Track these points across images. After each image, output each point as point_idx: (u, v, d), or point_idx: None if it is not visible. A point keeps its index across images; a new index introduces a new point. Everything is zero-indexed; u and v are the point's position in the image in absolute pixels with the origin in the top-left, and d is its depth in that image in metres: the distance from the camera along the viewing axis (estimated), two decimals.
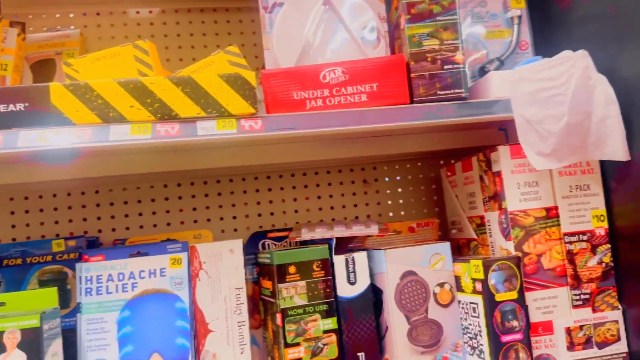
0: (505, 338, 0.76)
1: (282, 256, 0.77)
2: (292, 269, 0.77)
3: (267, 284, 0.82)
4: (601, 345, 0.81)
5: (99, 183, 1.04)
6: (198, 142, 0.75)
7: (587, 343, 0.81)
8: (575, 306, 0.81)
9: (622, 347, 0.81)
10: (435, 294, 0.82)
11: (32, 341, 0.65)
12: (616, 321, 0.82)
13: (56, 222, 1.03)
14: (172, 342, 0.79)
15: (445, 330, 0.81)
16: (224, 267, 0.85)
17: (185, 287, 0.81)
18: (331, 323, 0.77)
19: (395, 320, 0.79)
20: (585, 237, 0.83)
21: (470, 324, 0.80)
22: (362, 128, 0.75)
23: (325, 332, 0.76)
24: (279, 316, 0.76)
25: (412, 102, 0.79)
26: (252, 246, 0.97)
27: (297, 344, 0.75)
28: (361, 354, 0.80)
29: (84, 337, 0.78)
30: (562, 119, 0.76)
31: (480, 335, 0.78)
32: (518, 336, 0.77)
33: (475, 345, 0.79)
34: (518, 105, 0.79)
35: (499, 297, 0.77)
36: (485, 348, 0.77)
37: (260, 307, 0.90)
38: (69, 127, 0.69)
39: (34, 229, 1.02)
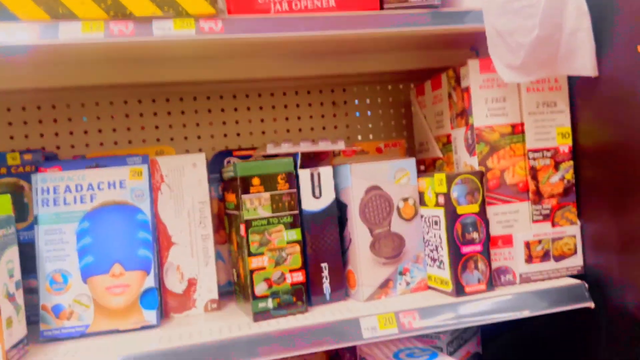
0: (465, 249, 0.78)
1: (246, 168, 0.76)
2: (255, 181, 0.76)
3: (231, 197, 0.81)
4: (558, 258, 0.83)
5: (55, 97, 0.99)
6: (154, 46, 0.71)
7: (545, 256, 0.83)
8: (535, 221, 0.83)
9: (577, 260, 0.84)
10: (398, 209, 0.82)
11: None
12: (574, 236, 0.84)
13: (11, 138, 0.99)
14: (133, 253, 0.78)
15: (408, 243, 0.82)
16: (186, 181, 0.83)
17: (147, 200, 0.80)
18: (295, 234, 0.77)
19: (358, 233, 0.80)
20: (549, 154, 0.83)
21: (431, 237, 0.81)
22: (330, 34, 0.73)
23: (289, 242, 0.76)
24: (242, 227, 0.75)
25: (382, 9, 0.77)
26: (217, 164, 0.95)
27: (261, 254, 0.75)
28: (324, 265, 0.81)
29: (42, 247, 0.76)
30: (533, 31, 0.74)
31: (441, 247, 0.79)
32: (478, 248, 0.78)
33: (435, 257, 0.80)
34: (489, 15, 0.77)
35: (460, 210, 0.78)
36: (445, 259, 0.78)
37: (225, 222, 0.89)
38: (15, 23, 0.64)
39: None
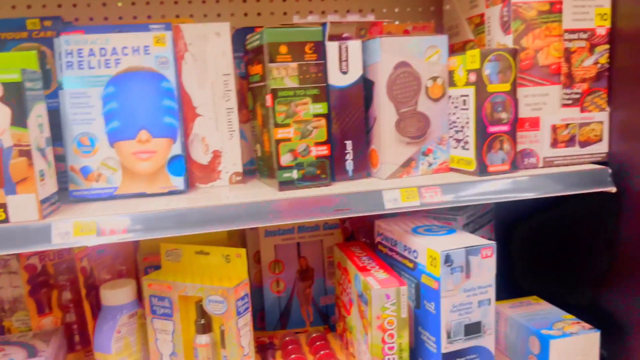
0: (492, 129, 0.77)
1: (274, 34, 0.74)
2: (283, 49, 0.74)
3: (256, 69, 0.79)
4: (583, 144, 0.83)
5: None
6: None
7: (570, 141, 0.82)
8: (564, 105, 0.82)
9: (602, 147, 0.84)
10: (426, 88, 0.81)
11: (15, 95, 0.63)
12: (601, 122, 0.83)
13: (28, 7, 0.96)
14: (159, 120, 0.78)
15: (433, 123, 0.82)
16: (210, 51, 0.81)
17: (171, 68, 0.78)
18: (321, 108, 0.76)
19: (384, 111, 0.79)
20: (585, 36, 0.80)
21: (458, 118, 0.80)
22: None
23: (315, 115, 0.76)
24: (269, 97, 0.74)
25: None
26: (238, 41, 0.93)
27: (287, 125, 0.75)
28: (348, 142, 0.81)
29: (68, 111, 0.76)
30: None
31: (467, 127, 0.78)
32: (505, 128, 0.78)
33: (460, 138, 0.80)
34: None
35: (491, 88, 0.76)
36: (471, 139, 0.78)
37: (249, 99, 0.89)
38: None
39: (3, 11, 0.95)
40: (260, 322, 1.07)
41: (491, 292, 0.74)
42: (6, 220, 0.64)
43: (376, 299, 0.72)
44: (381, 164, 0.81)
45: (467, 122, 0.78)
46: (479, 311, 0.73)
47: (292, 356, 0.88)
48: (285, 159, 0.75)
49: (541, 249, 1.02)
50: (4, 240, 0.63)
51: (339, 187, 0.77)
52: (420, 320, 0.77)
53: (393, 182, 0.79)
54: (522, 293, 1.00)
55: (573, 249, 0.94)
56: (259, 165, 0.88)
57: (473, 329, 0.73)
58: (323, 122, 0.76)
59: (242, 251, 0.82)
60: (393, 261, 0.83)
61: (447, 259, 0.70)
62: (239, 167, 0.85)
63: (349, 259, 0.84)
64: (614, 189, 0.80)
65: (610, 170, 0.80)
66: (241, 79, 0.94)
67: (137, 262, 0.99)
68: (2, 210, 0.64)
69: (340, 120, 0.80)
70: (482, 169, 0.78)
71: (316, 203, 0.72)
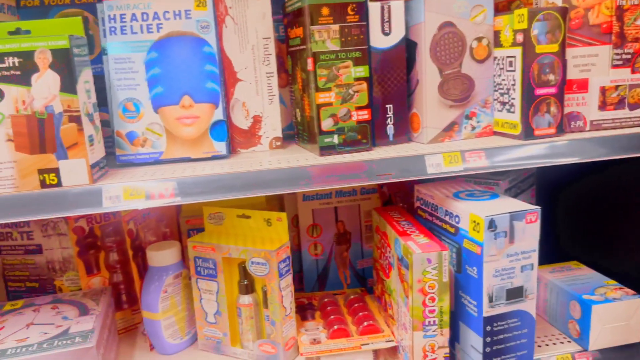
0: (539, 91, 0.75)
1: None
2: (325, 11, 0.73)
3: (296, 32, 0.79)
4: (633, 106, 0.80)
5: None
6: None
7: (619, 104, 0.80)
8: (614, 66, 0.79)
9: None
10: (471, 48, 0.79)
11: (63, 61, 0.64)
12: None
13: None
14: (202, 85, 0.78)
15: (477, 85, 0.80)
16: (250, 13, 0.81)
17: (212, 32, 0.78)
18: (363, 71, 0.75)
19: (427, 73, 0.78)
20: None
21: (503, 80, 0.78)
22: None
23: (356, 79, 0.75)
24: (310, 61, 0.74)
25: None
26: (277, 4, 0.92)
27: (328, 89, 0.74)
28: (389, 106, 0.80)
29: (113, 76, 0.77)
30: None
31: (513, 89, 0.76)
32: (552, 90, 0.76)
33: (506, 100, 0.78)
34: None
35: (539, 49, 0.74)
36: (517, 102, 0.76)
37: (288, 63, 0.88)
38: None
39: None
40: (298, 283, 1.09)
41: (534, 258, 0.73)
42: (59, 184, 0.66)
43: (417, 263, 0.72)
44: (423, 128, 0.80)
45: (513, 85, 0.76)
46: (521, 276, 0.73)
47: (331, 317, 0.90)
48: (327, 123, 0.75)
49: (583, 214, 1.00)
50: (57, 204, 0.66)
51: (380, 152, 0.76)
52: (461, 284, 0.77)
53: (435, 146, 0.78)
54: (563, 258, 0.99)
55: (617, 214, 0.92)
56: (298, 130, 0.88)
57: (515, 293, 0.73)
58: (364, 85, 0.76)
59: (283, 215, 0.83)
60: (433, 226, 0.84)
61: (491, 224, 0.70)
62: (279, 132, 0.85)
63: (389, 223, 0.85)
64: None
65: None
66: (279, 42, 0.93)
67: (180, 224, 1.02)
68: (54, 174, 0.66)
69: (381, 83, 0.79)
70: (528, 133, 0.76)
71: (358, 168, 0.72)
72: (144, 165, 0.79)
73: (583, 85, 0.79)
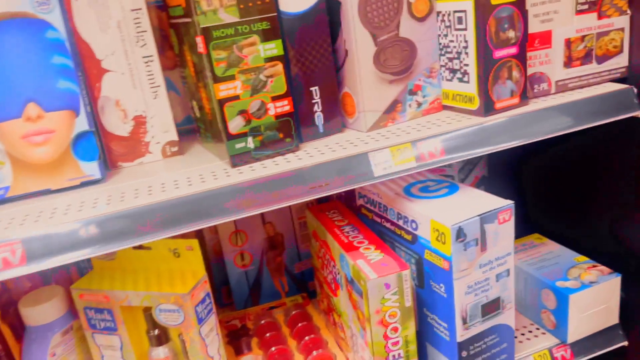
0: (499, 53, 0.59)
1: None
2: None
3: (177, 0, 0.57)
4: (601, 59, 0.67)
5: None
6: None
7: (586, 57, 0.66)
8: (579, 12, 0.64)
9: (622, 60, 0.68)
10: (409, 3, 0.61)
11: None
12: (622, 29, 0.67)
13: None
14: (51, 85, 0.55)
15: (420, 51, 0.63)
16: None
17: (56, 9, 0.55)
18: (275, 48, 0.56)
19: (358, 41, 0.59)
20: None
21: (451, 41, 0.62)
22: None
23: (267, 60, 0.56)
24: (200, 40, 0.53)
25: None
26: None
27: (231, 78, 0.55)
28: (314, 88, 0.62)
29: None
30: None
31: (466, 53, 0.60)
32: (513, 50, 0.60)
33: (457, 67, 0.62)
34: None
35: (495, 0, 0.57)
36: (472, 68, 0.60)
37: (173, 38, 0.66)
38: None
39: None
40: (226, 297, 0.92)
41: (510, 262, 0.60)
42: None
43: (374, 291, 0.57)
44: (359, 113, 0.63)
45: (465, 47, 0.60)
46: (497, 286, 0.60)
47: (272, 348, 0.74)
48: (235, 124, 0.56)
49: (540, 180, 0.89)
50: None
51: (310, 152, 0.59)
52: (425, 301, 0.63)
53: (378, 134, 0.61)
54: (522, 230, 0.88)
55: (579, 180, 0.81)
56: (199, 127, 0.67)
57: (491, 307, 0.60)
58: (279, 67, 0.56)
59: (194, 242, 0.64)
60: (383, 229, 0.68)
61: (460, 234, 0.55)
62: (173, 135, 0.65)
63: (329, 231, 0.68)
64: None
65: (635, 90, 0.65)
66: (158, 9, 0.70)
67: None
68: None
69: (301, 61, 0.60)
70: (488, 106, 0.61)
71: (284, 182, 0.54)
72: None
73: (546, 39, 0.64)
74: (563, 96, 0.65)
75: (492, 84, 0.60)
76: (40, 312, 0.66)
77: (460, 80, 0.62)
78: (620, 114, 0.65)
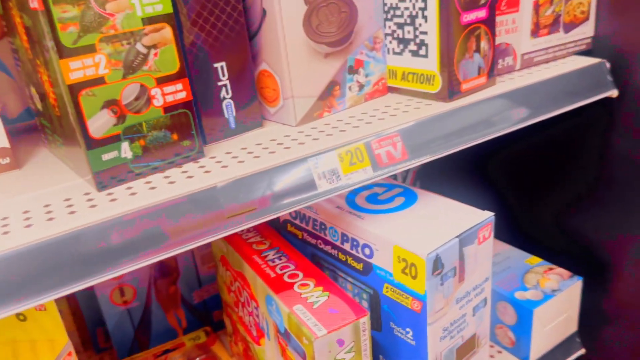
0: (468, 17, 0.45)
1: None
2: None
3: None
4: (568, 27, 0.55)
5: None
6: None
7: (554, 25, 0.54)
8: None
9: (588, 30, 0.57)
10: None
11: None
12: None
13: None
14: None
15: (361, 15, 0.46)
16: None
17: None
18: (160, 2, 0.36)
19: None
20: None
21: (402, 1, 0.46)
22: None
23: (147, 20, 0.35)
24: None
25: None
26: None
27: (89, 49, 0.34)
28: (220, 65, 0.43)
29: None
30: None
31: (423, 17, 0.45)
32: (483, 13, 0.46)
33: (409, 36, 0.47)
34: None
35: None
36: (432, 37, 0.45)
37: None
38: None
39: None
40: (104, 341, 0.70)
41: (488, 288, 0.47)
42: None
43: (323, 351, 0.40)
44: (285, 100, 0.45)
45: (423, 9, 0.45)
46: (474, 321, 0.47)
47: None
48: (100, 123, 0.35)
49: (485, 173, 0.78)
50: None
51: (221, 159, 0.40)
52: (382, 348, 0.48)
53: (312, 129, 0.44)
54: None
55: (526, 169, 0.71)
56: (43, 124, 0.45)
57: (467, 348, 0.47)
58: (167, 31, 0.36)
59: (49, 303, 0.43)
60: (319, 254, 0.51)
61: (437, 265, 0.40)
62: (4, 141, 0.42)
63: (246, 259, 0.50)
64: (615, 93, 0.55)
65: (608, 65, 0.55)
66: None
67: None
68: None
69: (198, 24, 0.40)
70: (453, 88, 0.46)
71: (187, 210, 0.35)
72: None
73: (514, 1, 0.51)
74: (531, 73, 0.53)
75: (458, 58, 0.45)
76: None
77: (415, 53, 0.47)
78: (595, 94, 0.54)
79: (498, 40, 0.51)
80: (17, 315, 0.44)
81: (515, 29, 0.52)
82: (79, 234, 0.32)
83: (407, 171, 0.71)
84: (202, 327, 0.72)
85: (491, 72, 0.49)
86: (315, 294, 0.45)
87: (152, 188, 0.36)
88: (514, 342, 0.63)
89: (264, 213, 0.37)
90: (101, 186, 0.36)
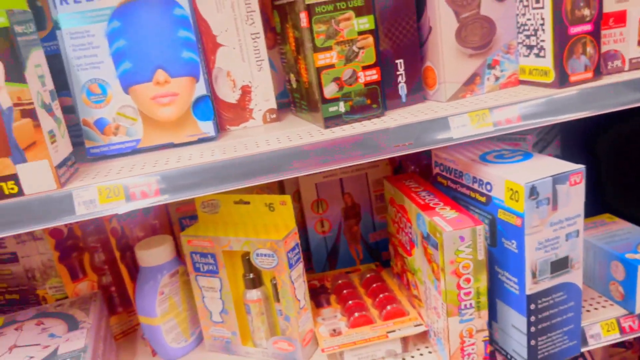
0: (574, 29, 0.64)
1: None
2: None
3: None
4: None
5: None
6: None
7: None
8: None
9: None
10: None
11: (4, 44, 0.51)
12: None
13: None
14: (177, 55, 0.66)
15: (499, 28, 0.69)
16: None
17: None
18: (367, 22, 0.63)
19: (441, 18, 0.66)
20: None
21: (529, 19, 0.67)
22: None
23: (360, 33, 0.63)
24: (304, 15, 0.62)
25: None
26: None
27: (329, 48, 0.63)
28: (400, 61, 0.69)
29: (71, 55, 0.64)
30: None
31: (542, 30, 0.65)
32: (588, 27, 0.65)
33: (533, 43, 0.67)
34: None
35: None
36: (548, 44, 0.65)
37: (275, 20, 0.76)
38: None
39: None
40: (307, 263, 1.00)
41: (580, 223, 0.64)
42: (20, 193, 0.55)
43: (449, 242, 0.63)
44: (440, 84, 0.69)
45: (542, 24, 0.65)
46: (566, 245, 0.64)
47: (350, 302, 0.81)
48: (330, 89, 0.64)
49: (612, 162, 0.91)
50: (20, 216, 0.55)
51: (394, 117, 0.66)
52: (496, 259, 0.68)
53: (456, 104, 0.67)
54: (593, 212, 0.90)
55: None
56: (294, 98, 0.76)
57: (560, 265, 0.65)
58: (370, 40, 0.64)
59: (287, 198, 0.73)
60: (458, 195, 0.74)
61: (532, 192, 0.60)
62: (273, 103, 0.74)
63: (406, 195, 0.75)
64: None
65: None
66: None
67: (170, 213, 0.91)
68: (12, 182, 0.54)
69: (388, 35, 0.67)
70: (563, 79, 0.65)
71: (372, 140, 0.61)
72: (120, 157, 0.67)
73: (620, 18, 0.68)
74: (636, 73, 0.68)
75: (566, 58, 0.65)
76: (153, 255, 0.77)
77: (537, 55, 0.67)
78: None
79: (607, 47, 0.69)
80: (269, 206, 0.75)
81: (623, 39, 0.69)
82: (316, 144, 0.60)
83: (549, 140, 0.88)
84: (373, 262, 0.98)
85: (597, 70, 0.67)
86: (449, 213, 0.67)
87: (354, 128, 0.63)
88: (623, 296, 0.76)
89: (417, 146, 0.62)
90: (326, 126, 0.65)
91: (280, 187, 0.95)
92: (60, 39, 0.64)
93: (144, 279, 0.78)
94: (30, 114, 0.53)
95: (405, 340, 0.75)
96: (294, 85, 0.74)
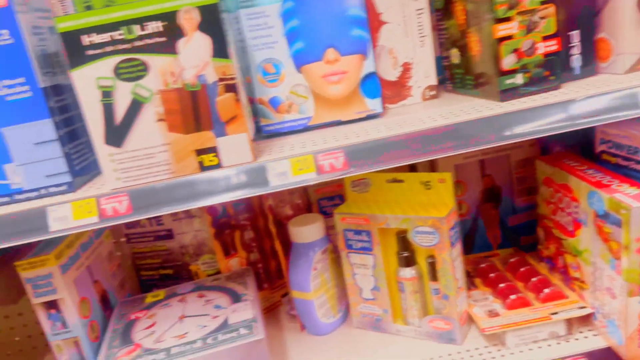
0: None
1: None
2: None
3: None
4: None
5: None
6: None
7: None
8: None
9: None
10: None
11: (213, 20, 0.54)
12: None
13: None
14: (347, 33, 0.67)
15: None
16: None
17: None
18: None
19: None
20: None
21: None
22: None
23: (542, 2, 0.61)
24: None
25: None
26: None
27: (509, 19, 0.61)
28: (575, 32, 0.66)
29: (248, 35, 0.66)
30: None
31: None
32: None
33: None
34: None
35: None
36: None
37: None
38: None
39: None
40: None
41: None
42: (219, 165, 0.58)
43: (636, 219, 0.60)
44: (615, 56, 0.66)
45: None
46: None
47: (501, 285, 0.80)
48: (508, 61, 0.63)
49: None
50: (221, 187, 0.57)
51: (572, 89, 0.63)
52: None
53: (635, 76, 0.64)
54: None
55: None
56: (453, 75, 0.75)
57: None
58: (552, 9, 0.62)
59: (447, 175, 0.73)
60: (632, 173, 0.70)
61: None
62: (433, 79, 0.73)
63: (572, 174, 0.72)
64: None
65: None
66: None
67: (309, 193, 0.93)
68: (213, 155, 0.57)
69: (564, 5, 0.65)
70: None
71: (554, 113, 0.59)
72: (292, 134, 0.69)
73: None
74: None
75: None
76: (308, 232, 0.79)
77: None
78: None
79: None
80: (426, 184, 0.74)
81: None
82: (501, 119, 0.59)
83: None
84: (511, 247, 0.95)
85: None
86: (630, 190, 0.64)
87: (534, 100, 0.62)
88: None
89: (603, 120, 0.59)
90: (502, 99, 0.64)
91: (410, 168, 0.94)
92: (237, 21, 0.67)
93: (298, 255, 0.80)
94: (233, 88, 0.55)
95: (569, 322, 0.72)
96: (456, 61, 0.73)
